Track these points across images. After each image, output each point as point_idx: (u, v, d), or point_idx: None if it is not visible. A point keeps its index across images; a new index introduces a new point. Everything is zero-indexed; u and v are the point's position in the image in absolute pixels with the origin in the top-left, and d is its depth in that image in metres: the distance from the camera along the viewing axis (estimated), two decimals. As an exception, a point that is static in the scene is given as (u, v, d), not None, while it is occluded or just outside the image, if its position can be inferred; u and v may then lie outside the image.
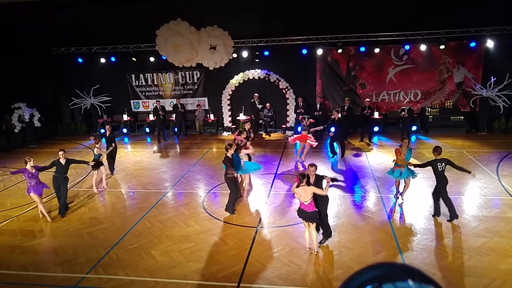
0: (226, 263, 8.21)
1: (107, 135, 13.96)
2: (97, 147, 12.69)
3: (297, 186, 8.09)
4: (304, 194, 8.04)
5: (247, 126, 13.39)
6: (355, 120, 18.82)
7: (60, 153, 10.91)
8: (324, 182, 8.29)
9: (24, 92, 19.80)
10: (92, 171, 12.97)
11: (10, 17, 18.58)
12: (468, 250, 8.35)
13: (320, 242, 8.73)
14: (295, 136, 15.26)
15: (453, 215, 9.61)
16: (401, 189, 11.17)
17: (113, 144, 13.94)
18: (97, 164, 12.70)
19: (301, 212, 8.29)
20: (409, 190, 11.11)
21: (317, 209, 8.22)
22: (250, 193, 12.15)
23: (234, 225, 10.04)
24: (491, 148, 16.09)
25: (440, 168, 9.51)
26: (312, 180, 8.39)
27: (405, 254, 8.32)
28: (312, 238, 8.35)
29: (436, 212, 9.93)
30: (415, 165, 10.54)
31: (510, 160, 14.37)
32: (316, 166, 8.50)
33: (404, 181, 10.90)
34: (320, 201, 8.50)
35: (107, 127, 14.17)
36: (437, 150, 9.70)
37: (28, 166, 10.39)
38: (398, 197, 11.14)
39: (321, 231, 8.82)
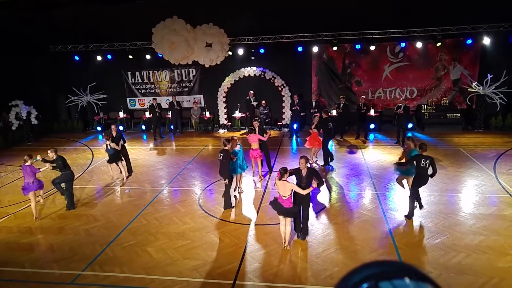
0: (222, 261, 8.23)
1: (114, 135, 13.63)
2: (109, 143, 12.83)
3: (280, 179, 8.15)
4: (283, 189, 8.09)
5: (256, 124, 13.41)
6: (350, 118, 18.88)
7: (48, 152, 10.97)
8: (313, 182, 8.29)
9: (21, 90, 19.74)
10: (114, 165, 13.29)
11: (7, 15, 18.50)
12: (465, 248, 8.35)
13: (298, 237, 8.89)
14: (308, 139, 14.50)
15: (411, 214, 9.74)
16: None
17: (121, 143, 13.58)
18: (115, 158, 13.08)
19: (277, 205, 8.33)
20: (402, 188, 11.16)
21: (295, 206, 8.29)
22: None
23: (230, 222, 10.05)
24: (488, 146, 16.12)
25: (423, 164, 9.45)
26: (304, 173, 8.43)
27: (401, 251, 8.33)
28: (286, 231, 8.39)
29: (419, 205, 9.90)
30: (399, 163, 10.45)
31: (508, 158, 14.40)
32: (307, 158, 8.54)
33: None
34: (303, 201, 8.56)
35: (112, 127, 13.81)
36: (422, 147, 9.61)
37: (29, 163, 10.39)
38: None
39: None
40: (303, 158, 8.47)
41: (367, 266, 1.07)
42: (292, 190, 8.13)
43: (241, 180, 12.09)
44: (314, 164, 14.51)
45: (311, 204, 9.22)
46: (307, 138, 14.53)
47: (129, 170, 14.12)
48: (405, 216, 9.83)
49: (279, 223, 8.57)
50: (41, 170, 10.56)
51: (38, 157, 10.97)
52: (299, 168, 8.50)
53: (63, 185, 11.23)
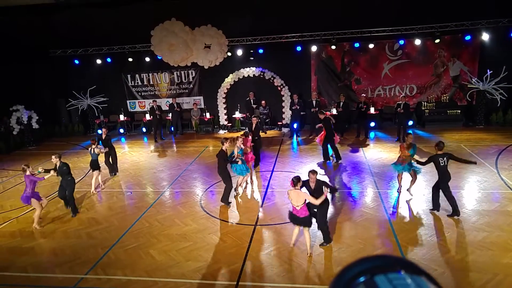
0: (225, 262, 8.22)
1: (103, 137, 13.74)
2: (94, 147, 12.72)
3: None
4: (296, 198, 7.91)
5: (254, 120, 13.50)
6: (350, 116, 18.90)
7: (52, 157, 10.89)
8: (324, 189, 8.11)
9: (22, 95, 19.74)
10: (92, 172, 13.06)
11: (7, 20, 18.54)
12: (468, 244, 8.33)
13: (321, 244, 8.66)
14: (319, 136, 14.71)
15: (455, 211, 9.56)
16: (407, 184, 11.30)
17: (109, 147, 13.79)
18: (95, 165, 12.83)
19: (293, 217, 8.18)
20: (407, 186, 11.18)
21: (310, 214, 8.11)
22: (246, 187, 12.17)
23: (232, 223, 10.04)
24: (489, 142, 16.09)
25: (442, 163, 9.48)
26: (312, 186, 8.28)
27: (404, 249, 8.31)
28: (306, 239, 8.20)
29: (435, 206, 9.90)
30: (418, 162, 10.45)
31: (509, 153, 14.36)
32: (316, 173, 8.35)
33: (411, 175, 11.02)
34: (318, 208, 8.38)
35: (103, 130, 14.00)
36: (438, 145, 9.66)
37: (28, 173, 10.21)
38: (400, 192, 11.19)
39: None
40: (314, 174, 8.27)
41: (362, 260, 1.08)
42: (305, 199, 7.96)
43: (243, 183, 12.09)
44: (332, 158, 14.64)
45: (329, 210, 9.02)
46: (319, 138, 14.51)
47: (114, 170, 14.38)
48: (449, 215, 9.69)
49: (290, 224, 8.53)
50: (45, 177, 10.54)
51: (40, 169, 10.91)
52: (308, 180, 8.40)
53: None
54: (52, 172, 10.69)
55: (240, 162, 11.37)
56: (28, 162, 11.02)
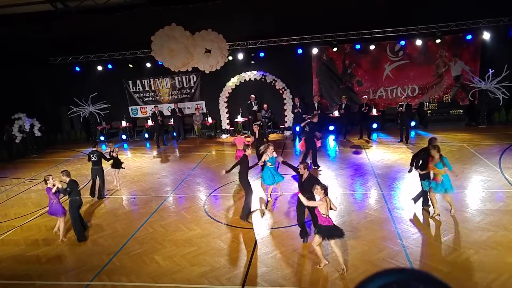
0: (230, 266, 8.20)
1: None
2: (112, 150, 13.31)
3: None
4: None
5: (256, 128, 13.59)
6: (352, 118, 18.87)
7: (60, 175, 10.14)
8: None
9: (24, 103, 19.80)
10: (115, 169, 13.63)
11: (6, 29, 18.56)
12: (473, 244, 8.30)
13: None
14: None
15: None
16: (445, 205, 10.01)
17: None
18: (118, 164, 13.48)
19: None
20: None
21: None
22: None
23: (236, 227, 10.02)
24: (492, 141, 16.04)
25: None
26: (304, 177, 8.40)
27: (409, 250, 8.27)
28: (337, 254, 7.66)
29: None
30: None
31: (512, 152, 14.33)
32: (307, 165, 8.49)
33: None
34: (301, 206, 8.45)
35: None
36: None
37: (50, 185, 9.75)
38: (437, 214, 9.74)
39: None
40: (304, 166, 8.41)
41: (380, 274, 1.06)
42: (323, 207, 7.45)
43: (270, 190, 11.60)
44: None
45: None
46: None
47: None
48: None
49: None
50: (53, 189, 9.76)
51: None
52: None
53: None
54: (57, 183, 9.88)
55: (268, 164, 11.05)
56: (50, 174, 10.29)
